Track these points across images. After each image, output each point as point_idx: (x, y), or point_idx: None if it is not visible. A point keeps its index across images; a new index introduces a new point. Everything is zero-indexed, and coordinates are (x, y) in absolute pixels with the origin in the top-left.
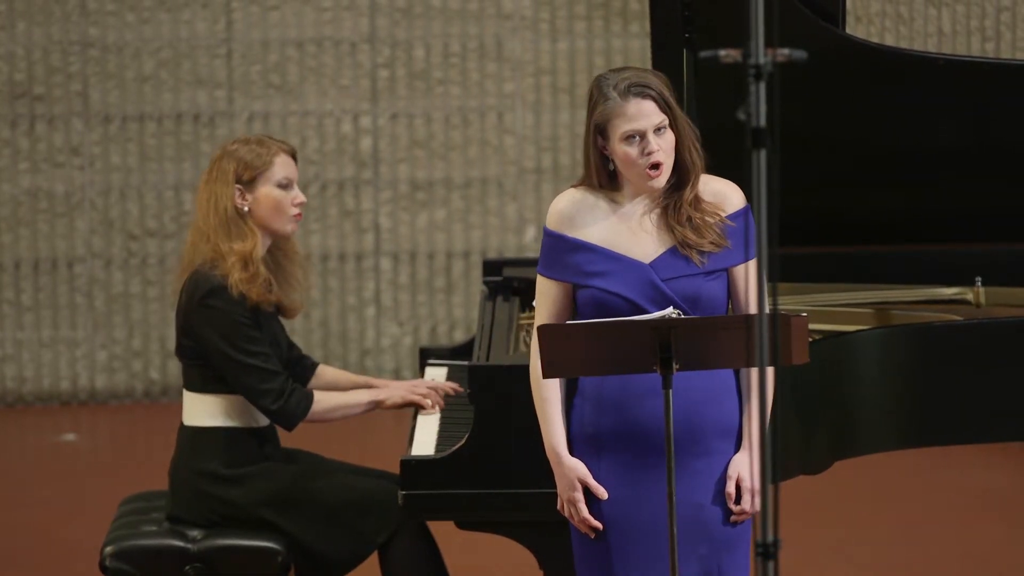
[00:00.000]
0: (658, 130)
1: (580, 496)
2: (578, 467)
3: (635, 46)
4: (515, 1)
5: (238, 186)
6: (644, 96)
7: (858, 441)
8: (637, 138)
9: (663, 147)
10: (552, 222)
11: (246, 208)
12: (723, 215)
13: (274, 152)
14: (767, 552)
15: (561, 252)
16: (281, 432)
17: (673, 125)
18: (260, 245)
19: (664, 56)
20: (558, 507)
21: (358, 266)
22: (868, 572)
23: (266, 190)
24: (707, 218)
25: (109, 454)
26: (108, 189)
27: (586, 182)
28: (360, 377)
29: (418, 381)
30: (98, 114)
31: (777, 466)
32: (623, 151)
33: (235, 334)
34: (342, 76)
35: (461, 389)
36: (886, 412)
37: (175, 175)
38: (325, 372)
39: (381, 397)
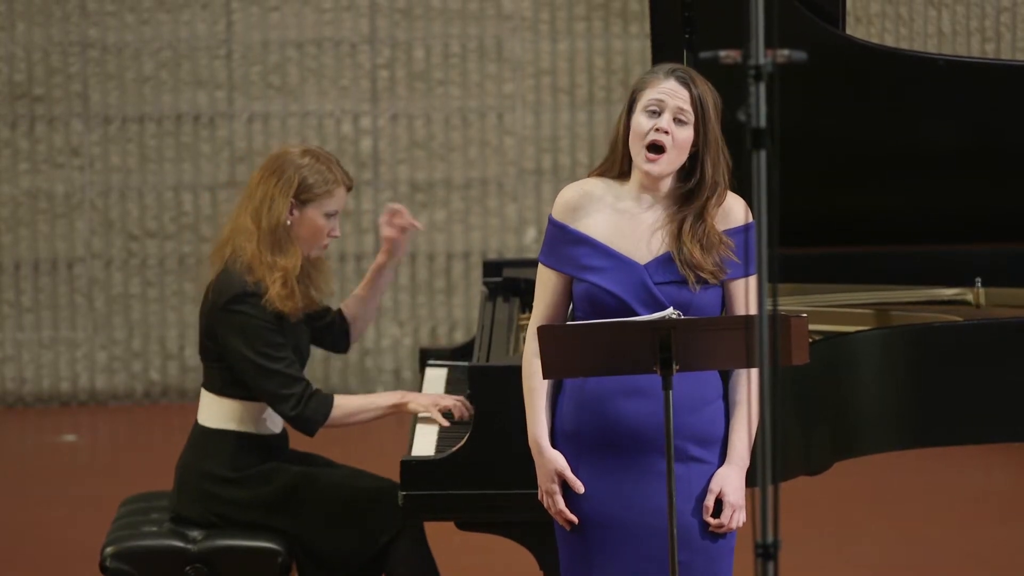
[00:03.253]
0: (679, 120)
1: (557, 488)
2: (557, 460)
3: (635, 47)
4: (515, 2)
5: (292, 200)
6: (683, 82)
7: (858, 442)
8: (655, 111)
9: (675, 135)
10: (557, 211)
11: (289, 223)
12: (726, 237)
13: (336, 182)
14: (767, 553)
15: (561, 243)
16: (298, 437)
17: (700, 131)
18: (300, 262)
19: (664, 57)
20: (538, 497)
21: (358, 267)
22: (868, 572)
23: (314, 215)
24: (712, 238)
25: (109, 455)
26: (108, 190)
27: (601, 170)
28: (366, 277)
29: (444, 396)
30: (98, 115)
31: (776, 467)
32: (638, 121)
33: (259, 339)
34: (342, 77)
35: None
36: (886, 413)
37: (175, 176)
38: (350, 307)
39: (405, 400)
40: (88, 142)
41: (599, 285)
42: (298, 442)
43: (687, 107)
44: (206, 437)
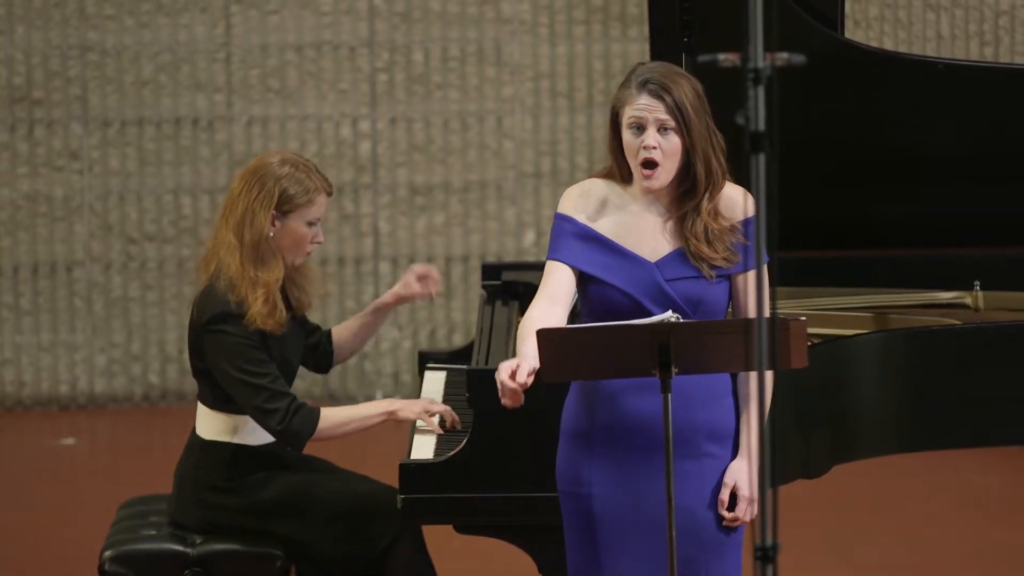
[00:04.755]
0: (663, 129)
1: (509, 367)
2: (528, 356)
3: (634, 50)
4: (514, 5)
5: (273, 212)
6: (655, 95)
7: (857, 445)
8: (639, 128)
9: (663, 147)
10: (564, 207)
11: (271, 234)
12: (736, 224)
13: (317, 190)
14: (766, 556)
15: (569, 236)
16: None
17: (683, 132)
18: (282, 274)
19: (663, 60)
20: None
21: (357, 270)
22: (867, 575)
23: (296, 225)
24: (721, 231)
25: (108, 458)
26: (107, 193)
27: (606, 172)
28: (367, 310)
29: (433, 402)
30: (97, 118)
31: (776, 470)
32: (627, 139)
33: (240, 357)
34: (341, 80)
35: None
36: (885, 416)
37: (174, 179)
38: (340, 333)
39: (395, 408)
40: (87, 145)
41: (612, 284)
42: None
43: (666, 116)
44: (202, 448)
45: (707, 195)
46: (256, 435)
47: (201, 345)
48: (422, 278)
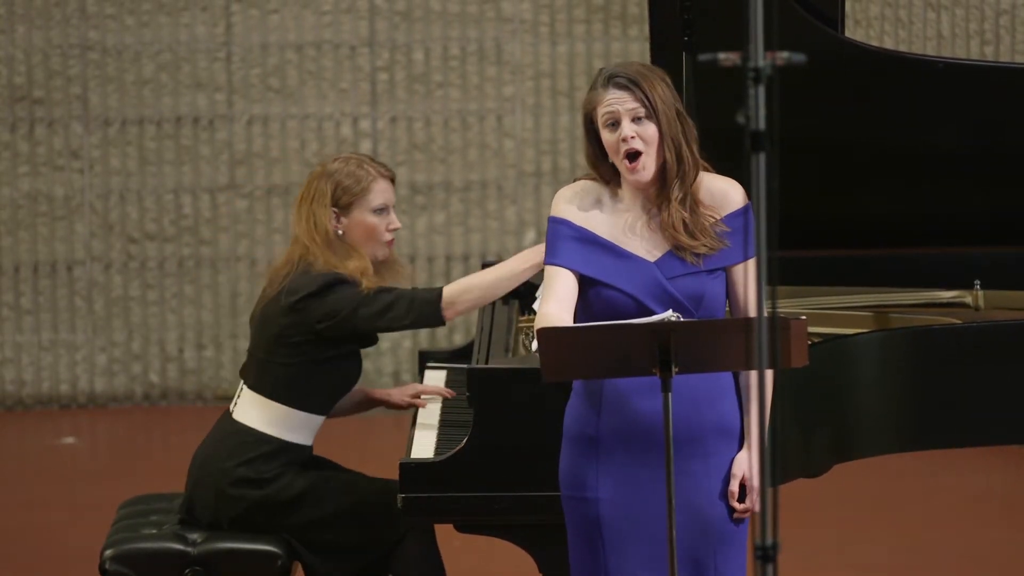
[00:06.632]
0: (636, 119)
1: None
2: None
3: (634, 50)
4: (515, 5)
5: (333, 209)
6: (622, 87)
7: (857, 444)
8: (614, 124)
9: (642, 135)
10: (558, 210)
11: (340, 232)
12: (719, 217)
13: (372, 177)
14: (766, 555)
15: (567, 239)
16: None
17: (655, 119)
18: (369, 264)
19: (663, 60)
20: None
21: None
22: (867, 574)
23: (361, 216)
24: (702, 220)
25: (108, 457)
26: (107, 192)
27: (592, 177)
28: (355, 394)
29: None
30: (98, 117)
31: (776, 469)
32: (606, 138)
33: (363, 302)
34: (341, 79)
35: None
36: (885, 415)
37: (175, 178)
38: None
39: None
40: (88, 145)
41: (615, 286)
42: (328, 438)
43: (636, 105)
44: (240, 435)
45: (679, 183)
46: (296, 434)
47: (283, 324)
48: (415, 397)
